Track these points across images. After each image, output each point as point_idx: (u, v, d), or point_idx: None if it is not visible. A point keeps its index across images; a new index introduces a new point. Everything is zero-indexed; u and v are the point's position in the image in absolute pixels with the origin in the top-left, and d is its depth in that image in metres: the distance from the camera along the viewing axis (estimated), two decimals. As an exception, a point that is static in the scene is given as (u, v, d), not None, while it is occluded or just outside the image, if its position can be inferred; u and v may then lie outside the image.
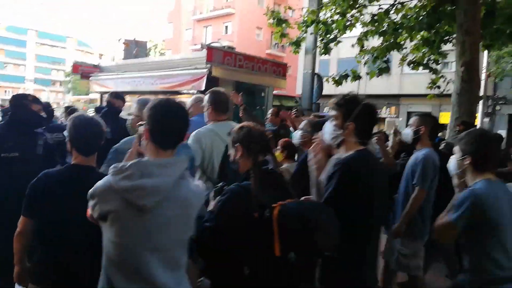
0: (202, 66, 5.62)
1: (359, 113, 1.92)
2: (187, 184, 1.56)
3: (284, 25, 6.23)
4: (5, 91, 67.19)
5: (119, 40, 8.58)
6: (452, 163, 2.25)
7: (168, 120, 1.56)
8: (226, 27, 35.08)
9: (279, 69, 6.92)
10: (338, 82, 6.75)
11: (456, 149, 2.11)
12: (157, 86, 6.41)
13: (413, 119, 3.25)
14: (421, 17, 5.80)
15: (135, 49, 8.66)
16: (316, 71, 7.31)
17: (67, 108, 6.01)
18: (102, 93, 8.51)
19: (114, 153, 2.39)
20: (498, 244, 1.90)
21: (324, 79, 7.31)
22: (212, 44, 6.77)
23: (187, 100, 6.59)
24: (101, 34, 79.81)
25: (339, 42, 6.13)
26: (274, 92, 8.42)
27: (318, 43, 6.58)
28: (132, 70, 7.37)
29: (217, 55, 5.64)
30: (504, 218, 1.90)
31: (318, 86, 7.39)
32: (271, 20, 6.30)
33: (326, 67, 24.88)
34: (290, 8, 6.43)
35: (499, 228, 1.89)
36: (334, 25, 5.76)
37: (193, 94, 6.26)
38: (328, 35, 6.04)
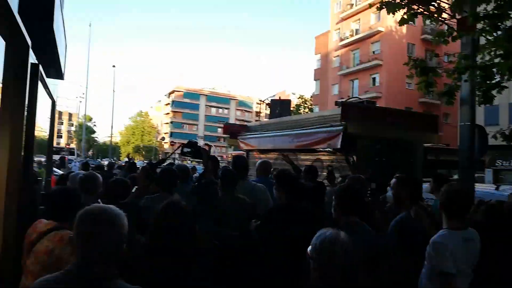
0: (337, 123, 5.42)
1: None
2: None
3: (430, 74, 5.52)
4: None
5: (263, 101, 9.17)
6: None
7: None
8: (374, 78, 34.46)
9: (429, 122, 6.15)
10: (510, 138, 5.45)
11: None
12: (294, 144, 6.46)
13: None
14: None
15: (278, 108, 9.09)
16: (481, 120, 6.19)
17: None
18: (247, 151, 9.14)
19: None
20: None
21: (490, 134, 6.10)
22: (349, 100, 6.52)
23: (324, 158, 6.44)
24: (258, 94, 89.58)
25: (504, 88, 5.04)
26: (429, 145, 7.50)
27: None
28: (273, 129, 7.70)
29: (353, 111, 5.36)
30: None
31: (480, 140, 6.21)
32: (413, 70, 5.67)
33: (494, 115, 21.39)
34: (436, 55, 5.68)
35: None
36: (495, 69, 4.79)
37: (329, 151, 6.06)
38: (488, 81, 5.04)
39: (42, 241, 2.19)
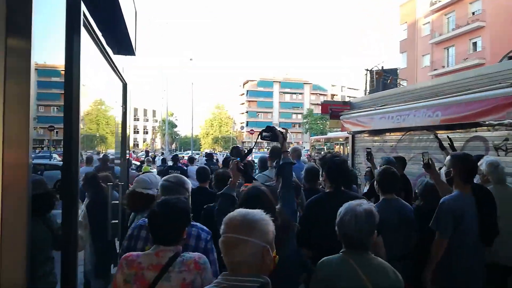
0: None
1: None
2: None
3: None
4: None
5: (369, 70, 7.33)
6: None
7: None
8: (474, 43, 29.74)
9: None
10: None
11: None
12: (439, 119, 4.59)
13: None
14: None
15: (389, 77, 7.15)
16: None
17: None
18: (354, 133, 7.38)
19: None
20: None
21: None
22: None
23: (487, 134, 4.49)
24: (331, 77, 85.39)
25: None
26: None
27: None
28: (394, 102, 5.86)
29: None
30: None
31: None
32: None
33: None
34: None
35: None
36: None
37: (504, 126, 4.11)
38: None
39: (170, 275, 1.77)
